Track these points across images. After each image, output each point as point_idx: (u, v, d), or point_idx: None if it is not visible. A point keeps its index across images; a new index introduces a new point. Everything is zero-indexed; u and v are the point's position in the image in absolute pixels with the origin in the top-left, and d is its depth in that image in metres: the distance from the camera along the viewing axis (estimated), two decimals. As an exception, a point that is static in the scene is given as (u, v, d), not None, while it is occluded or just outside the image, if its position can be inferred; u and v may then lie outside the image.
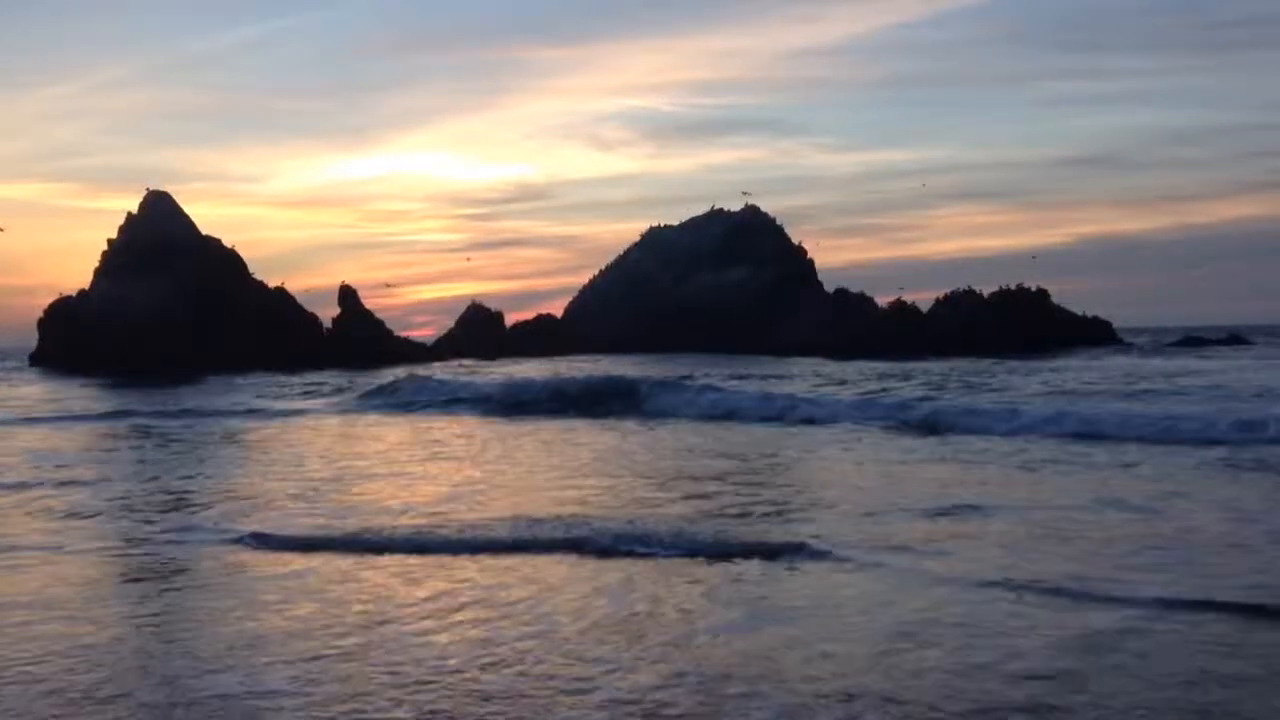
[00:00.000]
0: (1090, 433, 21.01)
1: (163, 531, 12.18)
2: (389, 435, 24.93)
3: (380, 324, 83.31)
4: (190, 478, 17.08)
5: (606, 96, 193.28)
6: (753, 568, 9.83)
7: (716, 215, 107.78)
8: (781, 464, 18.46)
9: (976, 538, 11.00)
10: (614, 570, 9.80)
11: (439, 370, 62.24)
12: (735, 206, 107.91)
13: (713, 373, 45.82)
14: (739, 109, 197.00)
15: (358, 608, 8.59)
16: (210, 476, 17.22)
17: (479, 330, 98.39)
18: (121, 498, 14.83)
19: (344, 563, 10.29)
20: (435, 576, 9.65)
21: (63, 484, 16.19)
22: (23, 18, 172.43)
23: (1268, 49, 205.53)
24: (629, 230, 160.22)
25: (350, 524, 12.23)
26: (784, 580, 9.41)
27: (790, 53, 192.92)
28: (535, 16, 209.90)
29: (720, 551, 10.41)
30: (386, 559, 10.45)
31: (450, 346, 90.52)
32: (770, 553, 10.32)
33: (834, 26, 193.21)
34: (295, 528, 12.07)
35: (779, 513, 12.84)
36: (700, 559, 10.20)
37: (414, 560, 10.35)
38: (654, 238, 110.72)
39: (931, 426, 22.91)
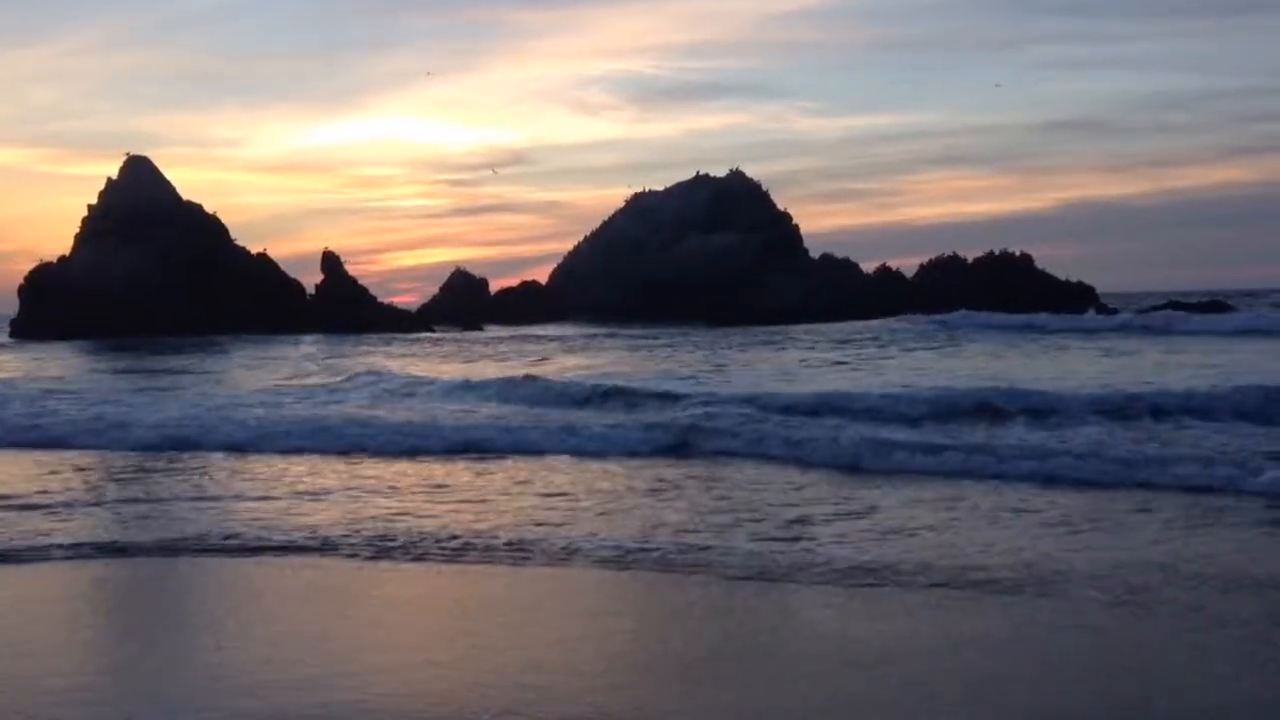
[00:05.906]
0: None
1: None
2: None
3: (364, 291, 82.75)
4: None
5: (589, 60, 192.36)
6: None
7: (702, 180, 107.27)
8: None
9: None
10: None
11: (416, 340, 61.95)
12: (720, 172, 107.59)
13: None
14: (723, 72, 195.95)
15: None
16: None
17: (463, 297, 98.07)
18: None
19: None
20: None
21: None
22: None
23: (1255, 13, 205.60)
24: (613, 196, 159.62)
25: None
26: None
27: (775, 15, 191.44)
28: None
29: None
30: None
31: (434, 313, 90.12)
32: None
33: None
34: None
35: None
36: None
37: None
38: (639, 203, 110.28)
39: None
